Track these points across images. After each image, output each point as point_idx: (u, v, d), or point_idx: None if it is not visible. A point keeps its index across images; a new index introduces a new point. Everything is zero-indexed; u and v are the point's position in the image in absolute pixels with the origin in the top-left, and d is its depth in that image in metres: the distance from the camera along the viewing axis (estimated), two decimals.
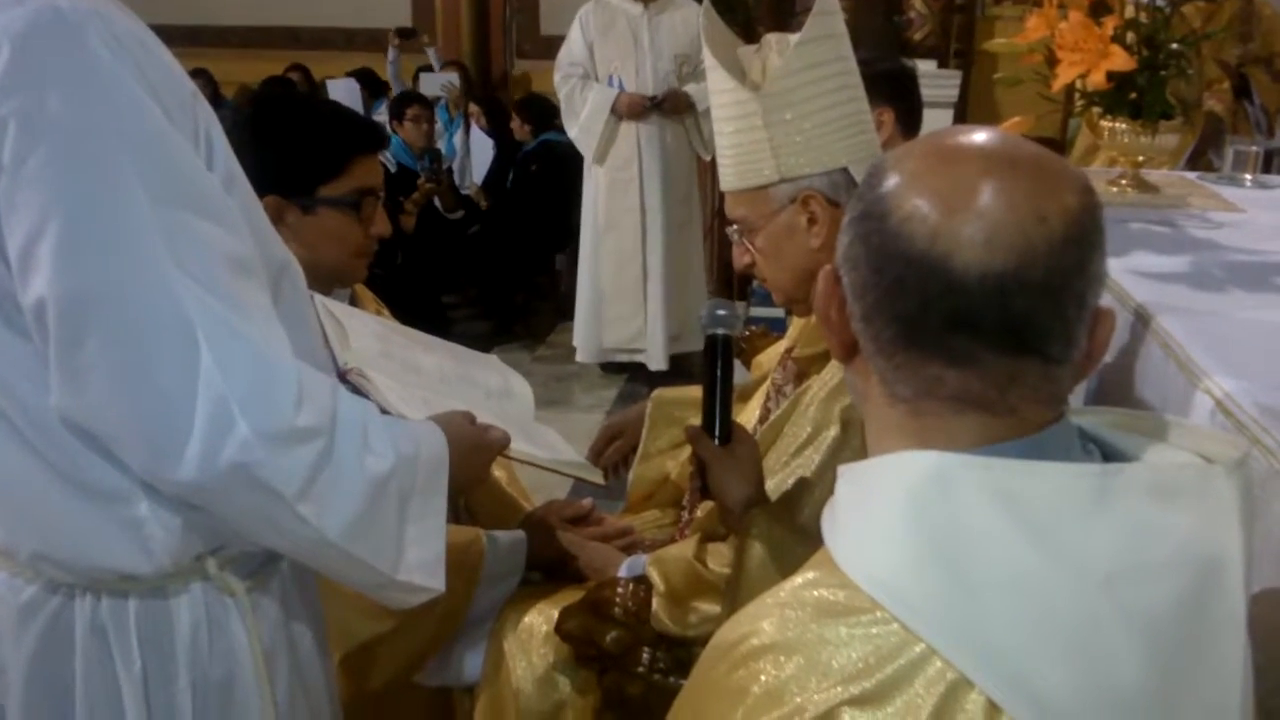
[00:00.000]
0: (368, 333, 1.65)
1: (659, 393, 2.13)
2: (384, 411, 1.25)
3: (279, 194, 1.69)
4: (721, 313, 1.54)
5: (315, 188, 1.73)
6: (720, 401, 1.52)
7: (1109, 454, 0.87)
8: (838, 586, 0.81)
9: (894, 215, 0.80)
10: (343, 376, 1.48)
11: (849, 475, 0.88)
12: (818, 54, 1.52)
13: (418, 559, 1.19)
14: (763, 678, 0.79)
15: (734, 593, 1.47)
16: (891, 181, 0.82)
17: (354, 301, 1.95)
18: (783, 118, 1.52)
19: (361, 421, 1.12)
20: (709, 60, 1.59)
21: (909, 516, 0.79)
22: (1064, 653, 0.74)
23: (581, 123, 4.96)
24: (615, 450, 2.10)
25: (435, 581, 1.22)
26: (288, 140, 1.75)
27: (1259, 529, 0.82)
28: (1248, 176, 2.54)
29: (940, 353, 0.80)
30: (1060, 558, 0.75)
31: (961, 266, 0.77)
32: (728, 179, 1.62)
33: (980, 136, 0.84)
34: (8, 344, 1.04)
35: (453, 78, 7.08)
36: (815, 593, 0.82)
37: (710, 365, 1.52)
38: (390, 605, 1.24)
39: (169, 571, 1.13)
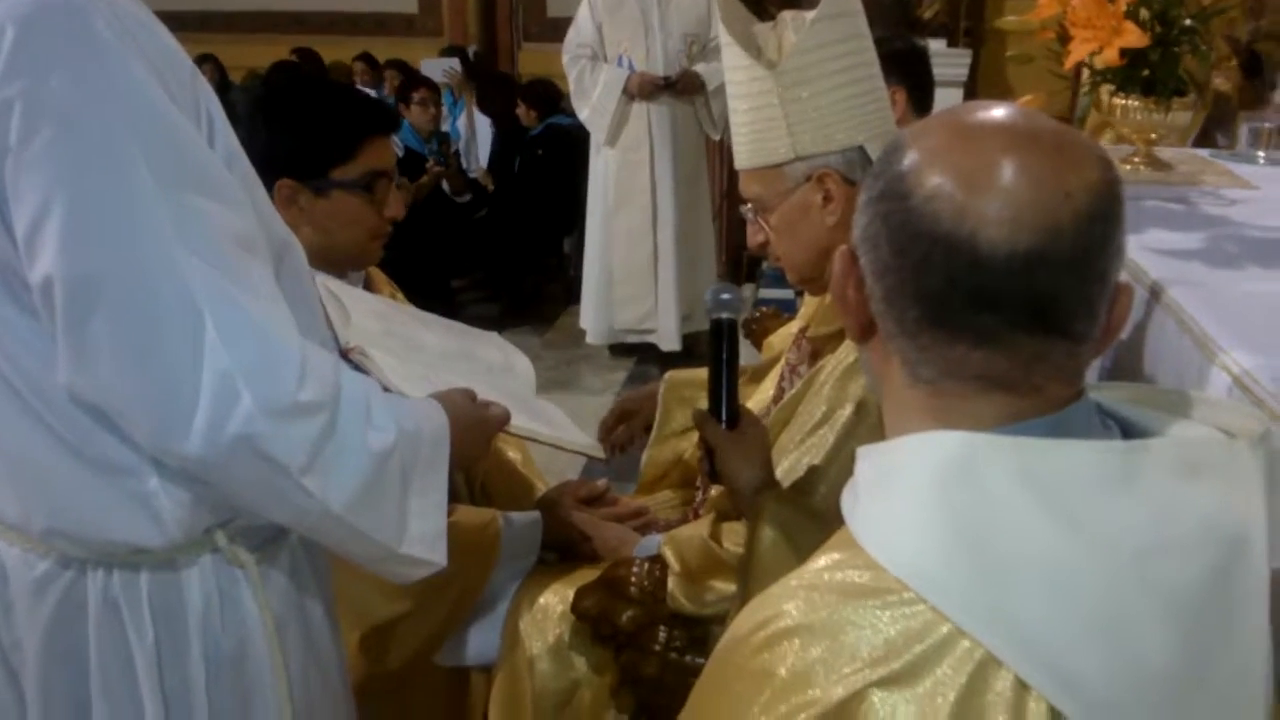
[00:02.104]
0: (369, 311, 1.65)
1: (672, 374, 2.13)
2: (385, 390, 1.26)
3: (291, 177, 1.70)
4: (726, 296, 1.53)
5: (327, 170, 1.73)
6: (726, 385, 1.51)
7: (1128, 430, 0.86)
8: (863, 568, 0.81)
9: (916, 194, 0.79)
10: (344, 355, 1.48)
11: (870, 455, 0.88)
12: (833, 31, 1.51)
13: (420, 532, 1.20)
14: (789, 659, 0.78)
15: (744, 576, 1.47)
16: (911, 159, 0.81)
17: (368, 284, 1.95)
18: (798, 95, 1.52)
19: (365, 397, 1.14)
20: (724, 37, 1.58)
21: (935, 496, 0.79)
22: (1092, 629, 0.74)
23: (594, 104, 4.94)
24: (626, 429, 2.10)
25: (437, 555, 1.23)
26: (299, 123, 1.75)
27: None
28: (1261, 153, 2.52)
29: (966, 332, 0.80)
30: (1087, 535, 0.75)
31: (988, 245, 0.76)
32: (742, 157, 1.61)
33: (999, 112, 0.83)
34: (16, 322, 1.05)
35: (454, 62, 7.06)
36: (840, 574, 0.82)
37: (715, 349, 1.52)
38: (393, 580, 1.26)
39: (179, 544, 1.15)
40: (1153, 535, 0.76)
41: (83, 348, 1.01)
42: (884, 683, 0.75)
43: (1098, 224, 0.78)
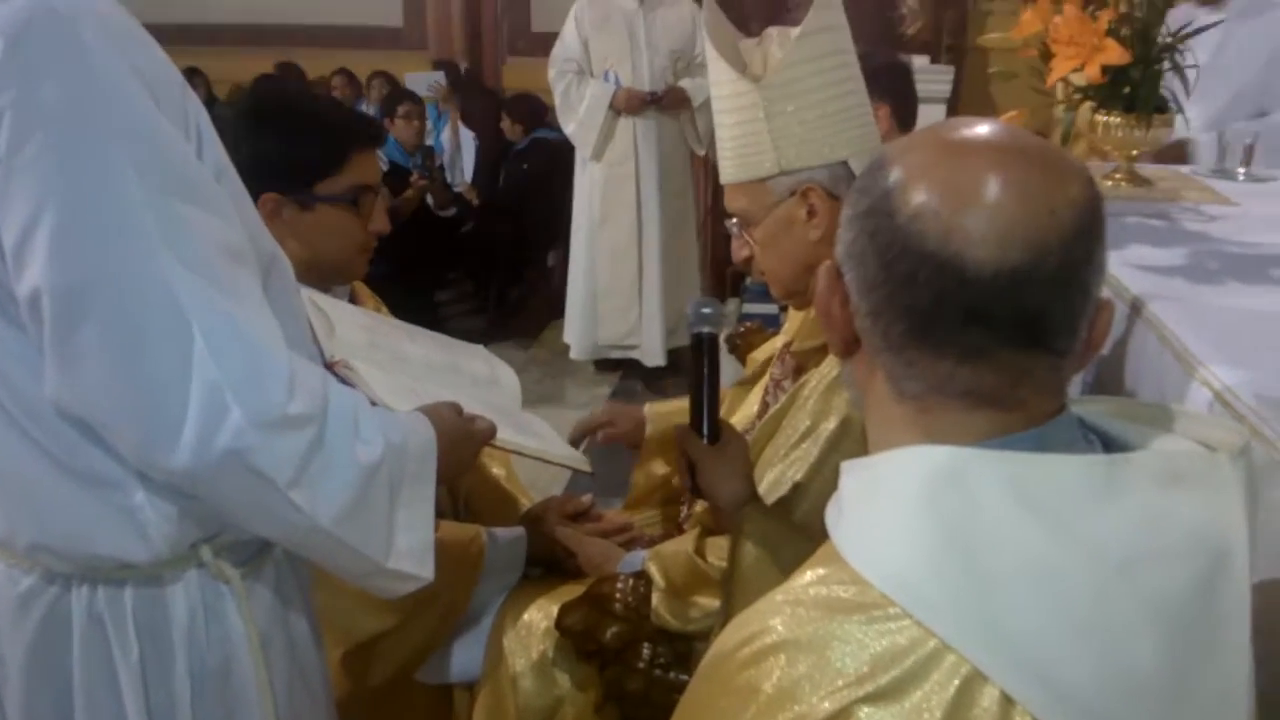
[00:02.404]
0: (354, 324, 1.64)
1: (651, 408, 2.10)
2: (371, 403, 1.25)
3: (276, 190, 1.69)
4: (707, 311, 1.52)
5: (312, 184, 1.72)
6: (708, 400, 1.50)
7: (1109, 443, 0.87)
8: (848, 582, 0.80)
9: (902, 212, 0.80)
10: (330, 368, 1.47)
11: (855, 470, 0.88)
12: (819, 46, 1.52)
13: (407, 546, 1.20)
14: (775, 675, 0.78)
15: (728, 592, 1.47)
16: (896, 176, 0.81)
17: (353, 298, 1.94)
18: (784, 109, 1.52)
19: (352, 410, 1.13)
20: (710, 52, 1.58)
21: (922, 511, 0.79)
22: (1080, 640, 0.74)
23: (580, 118, 4.93)
24: (605, 436, 2.06)
25: (424, 570, 1.22)
26: (284, 137, 1.74)
27: (1259, 520, 0.82)
28: (1240, 170, 2.54)
29: (953, 348, 0.80)
30: (1075, 547, 0.75)
31: (975, 263, 0.77)
32: (728, 171, 1.61)
33: (983, 128, 0.83)
34: (3, 335, 1.05)
35: (439, 76, 7.07)
36: (825, 589, 0.82)
37: (697, 364, 1.51)
38: (380, 595, 1.25)
39: (165, 559, 1.14)
40: (1140, 545, 0.76)
41: (70, 359, 1.00)
42: (870, 699, 0.75)
43: (1082, 240, 0.78)
